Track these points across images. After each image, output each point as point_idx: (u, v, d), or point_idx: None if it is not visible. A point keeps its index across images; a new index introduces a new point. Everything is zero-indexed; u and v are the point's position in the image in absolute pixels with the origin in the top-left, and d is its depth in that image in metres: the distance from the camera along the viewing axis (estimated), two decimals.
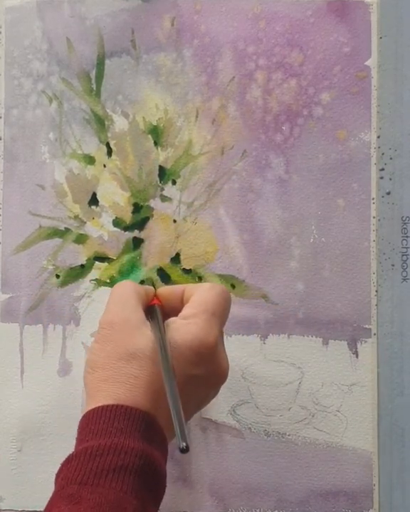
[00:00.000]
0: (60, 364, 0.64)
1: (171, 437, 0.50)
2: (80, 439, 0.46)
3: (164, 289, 0.57)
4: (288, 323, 0.62)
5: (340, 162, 0.62)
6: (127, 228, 0.64)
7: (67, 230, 0.64)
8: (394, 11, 0.62)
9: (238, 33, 0.63)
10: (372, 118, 0.62)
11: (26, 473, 0.64)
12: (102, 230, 0.64)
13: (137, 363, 0.48)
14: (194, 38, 0.63)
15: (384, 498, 0.61)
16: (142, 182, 0.64)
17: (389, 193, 0.62)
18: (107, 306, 0.53)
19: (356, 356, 0.62)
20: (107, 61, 0.64)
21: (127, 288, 0.54)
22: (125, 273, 0.64)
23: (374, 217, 0.62)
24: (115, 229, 0.64)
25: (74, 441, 0.47)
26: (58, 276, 0.64)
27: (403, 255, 0.62)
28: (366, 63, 0.62)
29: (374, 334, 0.61)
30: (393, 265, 0.61)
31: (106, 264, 0.64)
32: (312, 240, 0.62)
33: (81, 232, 0.64)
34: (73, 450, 0.45)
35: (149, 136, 0.64)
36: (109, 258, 0.64)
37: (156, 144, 0.64)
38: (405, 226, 0.62)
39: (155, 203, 0.64)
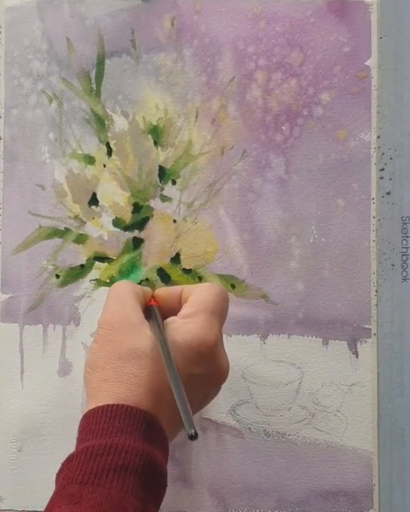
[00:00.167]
0: (60, 364, 0.64)
1: (172, 437, 0.50)
2: (80, 439, 0.46)
3: (162, 290, 0.57)
4: (288, 323, 0.62)
5: (340, 162, 0.62)
6: (127, 228, 0.64)
7: (67, 230, 0.64)
8: (394, 11, 0.62)
9: (238, 33, 0.63)
10: (372, 118, 0.62)
11: (26, 473, 0.64)
12: (102, 230, 0.64)
13: (137, 361, 0.48)
14: (194, 38, 0.63)
15: (384, 498, 0.61)
16: (142, 182, 0.64)
17: (389, 193, 0.62)
18: (105, 306, 0.53)
19: (356, 356, 0.62)
20: (107, 61, 0.64)
21: (125, 288, 0.54)
22: (125, 273, 0.64)
23: (374, 217, 0.62)
24: (115, 229, 0.64)
25: (74, 441, 0.47)
26: (57, 276, 0.64)
27: (403, 255, 0.62)
28: (366, 63, 0.62)
29: (374, 334, 0.61)
30: (393, 265, 0.61)
31: (106, 264, 0.64)
32: (312, 239, 0.62)
33: (81, 232, 0.64)
34: (74, 450, 0.45)
35: (149, 136, 0.64)
36: (109, 258, 0.64)
37: (156, 143, 0.64)
38: (405, 226, 0.62)
39: (155, 203, 0.64)
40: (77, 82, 0.64)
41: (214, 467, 0.62)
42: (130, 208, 0.64)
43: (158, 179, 0.64)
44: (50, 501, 0.43)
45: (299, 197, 0.62)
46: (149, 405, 0.46)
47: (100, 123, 0.64)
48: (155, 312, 0.53)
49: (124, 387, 0.47)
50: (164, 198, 0.64)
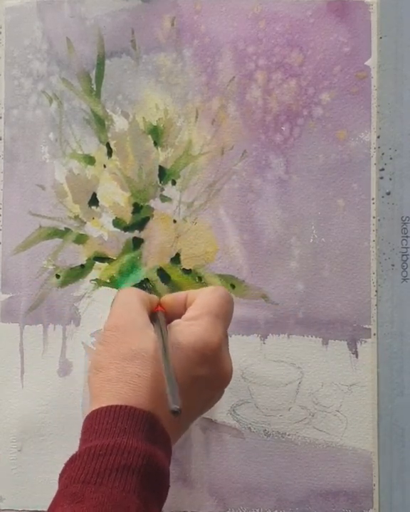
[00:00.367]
0: (60, 364, 0.64)
1: (175, 438, 0.50)
2: (83, 439, 0.46)
3: (168, 297, 0.57)
4: (288, 323, 0.62)
5: (340, 162, 0.62)
6: (127, 228, 0.64)
7: (67, 230, 0.64)
8: (394, 11, 0.62)
9: (238, 33, 0.63)
10: (372, 118, 0.62)
11: (26, 473, 0.64)
12: (102, 230, 0.64)
13: (140, 362, 0.48)
14: (194, 38, 0.63)
15: (384, 498, 0.61)
16: (142, 182, 0.64)
17: (389, 193, 0.62)
18: (112, 311, 0.53)
19: (356, 356, 0.62)
20: (107, 61, 0.64)
21: (132, 294, 0.54)
22: (125, 273, 0.64)
23: (374, 217, 0.62)
24: (115, 229, 0.64)
25: (74, 441, 0.47)
26: (58, 276, 0.64)
27: (403, 255, 0.62)
28: (366, 63, 0.62)
29: (374, 334, 0.61)
30: (393, 265, 0.61)
31: (106, 264, 0.64)
32: (312, 240, 0.62)
33: (81, 232, 0.64)
34: (77, 450, 0.46)
35: (149, 136, 0.64)
36: (109, 258, 0.64)
37: (156, 144, 0.64)
38: (405, 226, 0.62)
39: (155, 203, 0.64)
40: (78, 82, 0.64)
41: (214, 467, 0.62)
42: (130, 208, 0.64)
43: (158, 179, 0.64)
44: (53, 501, 0.44)
45: (299, 197, 0.62)
46: (153, 406, 0.47)
47: (100, 123, 0.64)
48: (160, 317, 0.53)
49: (127, 387, 0.47)
50: (164, 198, 0.64)
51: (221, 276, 0.63)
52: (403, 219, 0.62)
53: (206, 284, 0.63)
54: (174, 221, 0.63)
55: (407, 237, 0.62)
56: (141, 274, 0.64)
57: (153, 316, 0.53)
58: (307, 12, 0.62)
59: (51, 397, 0.64)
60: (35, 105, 0.65)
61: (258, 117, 0.63)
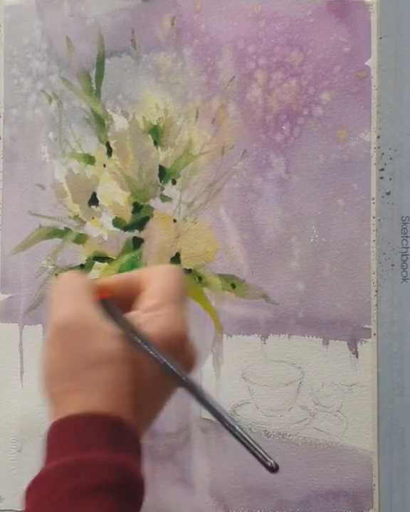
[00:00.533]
0: None
1: (143, 434, 0.46)
2: (49, 455, 0.42)
3: (114, 280, 0.48)
4: (288, 323, 0.62)
5: (340, 162, 0.62)
6: (127, 228, 0.64)
7: (67, 229, 0.64)
8: (394, 11, 0.62)
9: (238, 33, 0.63)
10: (372, 118, 0.62)
11: (26, 473, 0.64)
12: (102, 229, 0.64)
13: (108, 367, 0.42)
14: (194, 37, 0.63)
15: (384, 498, 0.61)
16: (141, 182, 0.64)
17: (388, 193, 0.62)
18: (55, 304, 0.45)
19: (356, 356, 0.62)
20: (107, 60, 0.64)
21: (77, 281, 0.46)
22: None
23: (374, 217, 0.62)
24: (115, 229, 0.64)
25: None
26: (57, 276, 0.64)
27: (403, 255, 0.62)
28: (366, 63, 0.62)
29: (374, 334, 0.61)
30: (393, 265, 0.61)
31: (106, 264, 0.64)
32: (312, 239, 0.62)
33: (81, 232, 0.64)
34: (43, 467, 0.41)
35: (149, 135, 0.64)
36: (109, 258, 0.64)
37: (156, 143, 0.64)
38: (405, 226, 0.62)
39: (155, 203, 0.64)
40: (77, 81, 0.64)
41: (214, 467, 0.62)
42: (130, 208, 0.64)
43: (158, 179, 0.63)
44: None
45: (299, 197, 0.62)
46: (119, 410, 0.42)
47: (100, 123, 0.64)
48: (112, 306, 0.46)
49: (93, 396, 0.42)
50: (164, 198, 0.63)
51: (222, 276, 0.63)
52: (403, 219, 0.62)
53: (206, 284, 0.63)
54: (174, 221, 0.63)
55: (407, 237, 0.62)
56: None
57: (102, 304, 0.45)
58: (307, 12, 0.62)
59: None
60: (35, 104, 0.65)
61: (259, 117, 0.63)
